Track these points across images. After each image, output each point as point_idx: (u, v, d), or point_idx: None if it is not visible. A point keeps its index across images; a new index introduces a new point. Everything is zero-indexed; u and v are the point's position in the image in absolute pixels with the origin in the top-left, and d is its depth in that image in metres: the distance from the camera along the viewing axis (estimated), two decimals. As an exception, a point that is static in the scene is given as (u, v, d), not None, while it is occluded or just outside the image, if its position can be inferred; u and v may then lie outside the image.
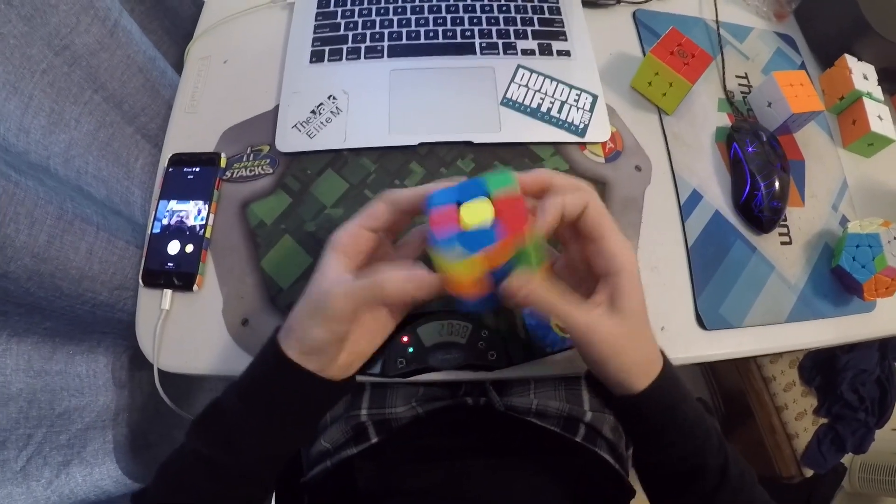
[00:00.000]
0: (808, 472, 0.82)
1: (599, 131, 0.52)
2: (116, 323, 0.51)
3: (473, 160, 0.50)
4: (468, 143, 0.51)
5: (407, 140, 0.50)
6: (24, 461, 0.47)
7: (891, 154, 0.60)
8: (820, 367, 0.83)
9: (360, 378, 0.42)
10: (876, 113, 0.59)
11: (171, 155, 0.52)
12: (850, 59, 0.61)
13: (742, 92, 0.60)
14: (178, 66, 0.61)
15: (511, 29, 0.56)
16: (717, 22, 0.63)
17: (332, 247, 0.35)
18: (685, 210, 0.52)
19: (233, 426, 0.35)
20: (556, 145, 0.52)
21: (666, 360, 0.37)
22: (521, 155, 0.51)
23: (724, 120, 0.58)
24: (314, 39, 0.56)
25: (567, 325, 0.34)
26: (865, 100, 0.59)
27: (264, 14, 0.61)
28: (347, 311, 0.33)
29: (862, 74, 0.61)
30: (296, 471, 0.56)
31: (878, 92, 0.61)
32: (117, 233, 0.49)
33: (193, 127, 0.54)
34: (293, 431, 0.37)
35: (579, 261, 0.38)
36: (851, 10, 0.61)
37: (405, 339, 0.44)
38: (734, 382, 0.89)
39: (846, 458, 0.87)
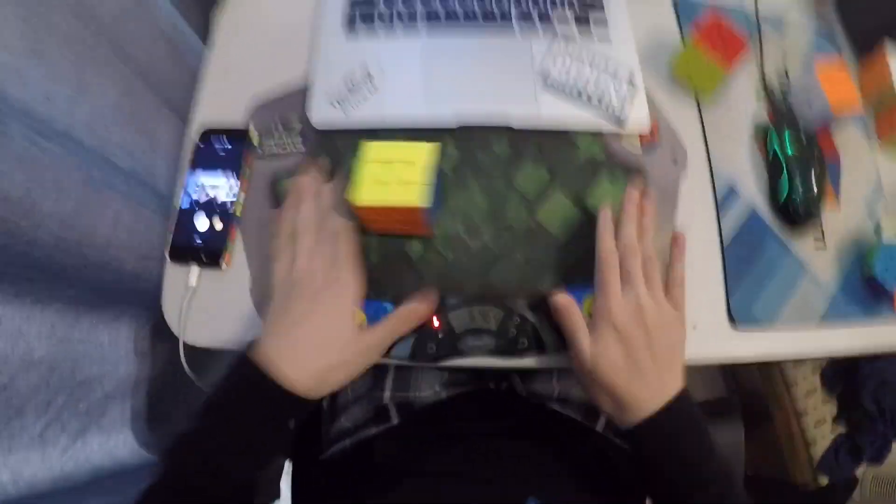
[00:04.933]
0: (823, 481, 0.82)
1: (639, 120, 0.51)
2: (140, 293, 0.51)
3: (509, 143, 0.49)
4: (506, 128, 0.50)
5: (443, 120, 0.49)
6: (43, 427, 0.47)
7: (927, 156, 0.59)
8: (842, 374, 0.82)
9: (390, 361, 0.43)
10: None
11: (201, 129, 0.51)
12: (891, 55, 0.59)
13: (780, 83, 0.59)
14: (205, 30, 0.60)
15: (550, 9, 0.55)
16: (756, 9, 0.61)
17: (342, 303, 0.39)
18: (721, 205, 0.51)
19: (220, 454, 0.36)
20: (594, 134, 0.51)
21: (667, 409, 0.38)
22: (557, 141, 0.50)
23: (762, 112, 0.57)
24: (348, 10, 0.54)
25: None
26: (904, 101, 0.58)
27: (295, -22, 0.59)
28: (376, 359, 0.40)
29: (903, 72, 0.59)
30: (314, 448, 0.56)
31: (917, 92, 0.59)
32: (143, 202, 0.49)
33: (222, 97, 0.53)
34: (278, 446, 0.40)
35: None
36: (893, 2, 0.60)
37: (436, 324, 0.43)
38: (755, 384, 0.88)
39: (859, 470, 0.87)
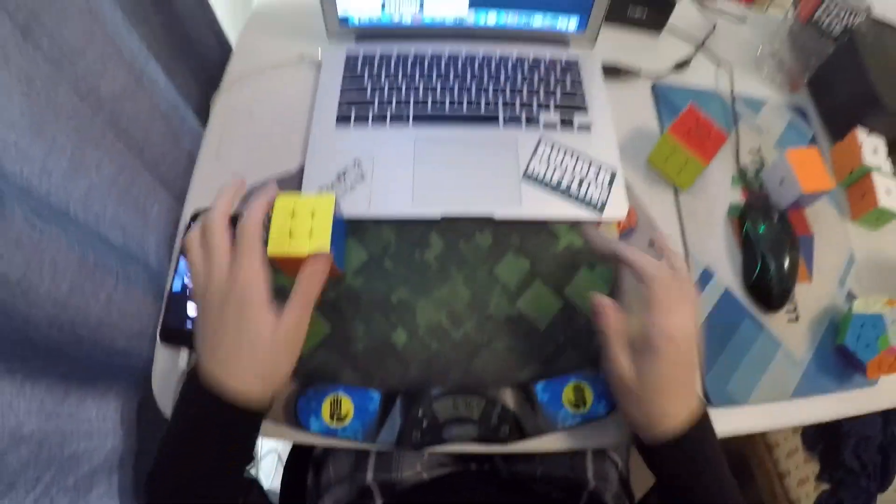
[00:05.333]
0: (808, 540, 0.83)
1: (617, 209, 0.53)
2: (129, 368, 0.52)
3: (491, 234, 0.51)
4: (489, 219, 0.51)
5: (429, 212, 0.51)
6: (32, 503, 0.47)
7: (898, 227, 0.61)
8: (823, 433, 0.84)
9: (375, 447, 0.44)
10: (884, 187, 0.59)
11: (192, 212, 0.52)
12: (861, 133, 0.62)
13: (755, 166, 0.61)
14: (203, 111, 0.62)
15: (534, 101, 0.57)
16: (732, 95, 0.64)
17: (253, 302, 0.38)
18: (696, 286, 0.53)
19: (197, 482, 0.38)
20: (573, 223, 0.53)
21: (694, 428, 0.40)
22: (538, 231, 0.52)
23: (738, 195, 0.59)
24: (341, 101, 0.56)
25: (607, 360, 0.42)
26: (874, 174, 0.60)
27: (292, 70, 0.61)
28: (303, 336, 0.40)
29: (872, 148, 0.62)
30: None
31: (887, 166, 0.61)
32: (135, 282, 0.49)
33: (217, 181, 0.54)
34: (249, 458, 0.41)
35: None
36: (863, 84, 0.63)
37: (421, 413, 0.44)
38: (736, 446, 0.89)
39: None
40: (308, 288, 0.40)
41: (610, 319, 0.42)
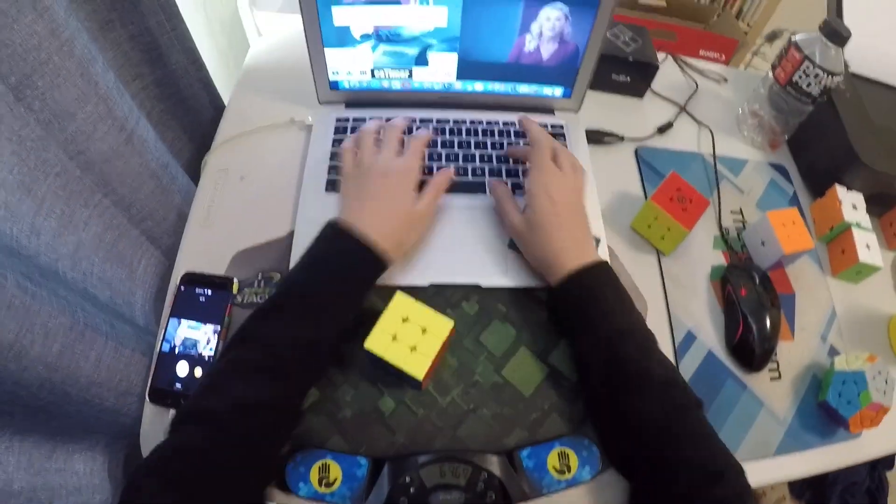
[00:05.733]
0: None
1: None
2: (117, 425, 0.52)
3: (478, 302, 0.53)
4: (475, 286, 0.53)
5: (417, 280, 0.52)
6: (21, 561, 0.47)
7: (877, 280, 0.63)
8: (810, 481, 0.85)
9: None
10: (864, 242, 0.61)
11: (183, 273, 0.53)
12: (840, 190, 0.64)
13: (737, 227, 0.63)
14: (193, 166, 0.62)
15: (520, 168, 0.59)
16: (714, 157, 0.66)
17: (408, 180, 0.50)
18: (679, 351, 0.54)
19: (318, 298, 0.44)
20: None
21: (589, 267, 0.48)
22: (523, 298, 0.53)
23: (720, 258, 0.60)
24: (330, 167, 0.57)
25: (502, 217, 0.53)
26: (854, 230, 0.61)
27: (283, 132, 0.63)
28: (431, 221, 0.54)
29: (851, 204, 0.63)
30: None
31: (866, 221, 0.63)
32: (124, 341, 0.50)
33: (207, 243, 0.55)
34: (359, 306, 0.48)
35: None
36: (841, 142, 0.64)
37: (408, 479, 0.45)
38: None
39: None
40: (439, 185, 0.52)
41: (498, 187, 0.55)
